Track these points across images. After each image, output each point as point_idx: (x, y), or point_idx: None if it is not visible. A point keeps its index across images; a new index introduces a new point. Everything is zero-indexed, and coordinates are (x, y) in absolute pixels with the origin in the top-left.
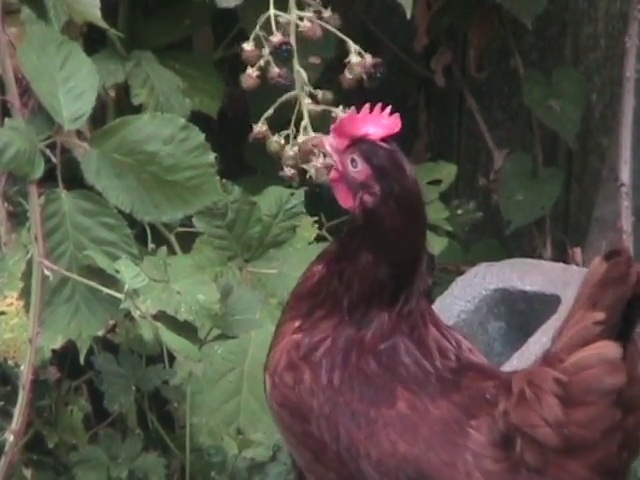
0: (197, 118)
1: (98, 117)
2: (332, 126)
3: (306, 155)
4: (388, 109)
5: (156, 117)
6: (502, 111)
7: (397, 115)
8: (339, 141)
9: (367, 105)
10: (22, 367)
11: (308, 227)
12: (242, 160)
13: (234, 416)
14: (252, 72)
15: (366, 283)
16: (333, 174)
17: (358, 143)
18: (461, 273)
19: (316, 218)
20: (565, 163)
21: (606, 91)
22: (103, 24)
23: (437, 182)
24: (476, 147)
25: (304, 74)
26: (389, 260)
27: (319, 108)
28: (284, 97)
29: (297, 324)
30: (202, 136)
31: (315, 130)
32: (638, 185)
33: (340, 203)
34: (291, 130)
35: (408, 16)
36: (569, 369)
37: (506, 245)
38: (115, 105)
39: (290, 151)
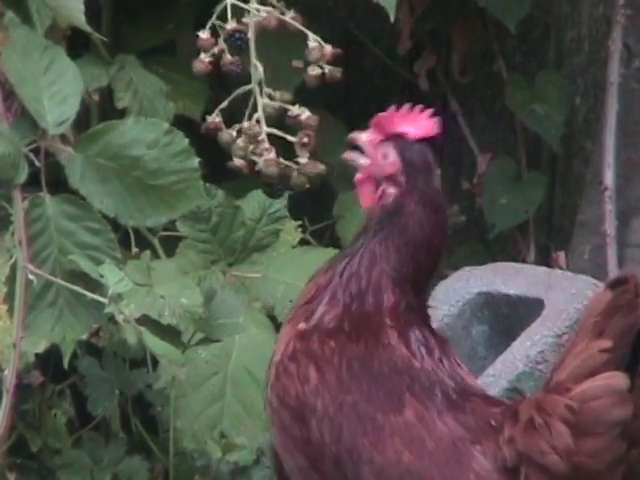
0: (181, 122)
1: (82, 121)
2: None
3: (252, 141)
4: (428, 111)
5: (140, 121)
6: (485, 115)
7: (436, 119)
8: (375, 136)
9: (408, 105)
10: (6, 371)
11: (292, 231)
12: (225, 164)
13: (218, 420)
14: (204, 57)
15: (372, 275)
16: (362, 171)
17: (394, 138)
18: (444, 277)
19: (300, 222)
20: (549, 167)
21: (590, 95)
22: (87, 28)
23: None
24: (459, 151)
25: (260, 68)
26: (405, 254)
27: (275, 104)
28: (239, 90)
29: (300, 326)
30: (186, 140)
31: (269, 125)
32: (622, 189)
33: (361, 203)
34: (244, 123)
35: (391, 20)
36: (577, 398)
37: (489, 249)
38: (99, 109)
39: (241, 142)
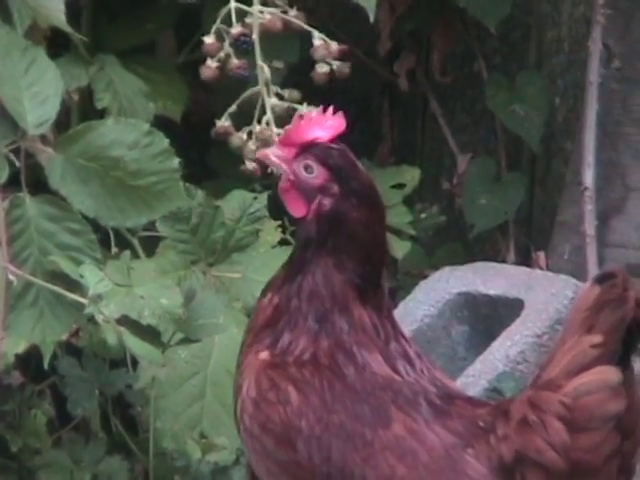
0: (160, 122)
1: (62, 121)
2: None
3: (265, 144)
4: (330, 110)
5: (120, 122)
6: (466, 115)
7: (340, 114)
8: (287, 151)
9: (310, 112)
10: None
11: (271, 231)
12: (205, 164)
13: (198, 420)
14: (211, 63)
15: (333, 288)
16: (283, 184)
17: (309, 149)
18: (425, 277)
19: (279, 222)
20: (528, 167)
21: (569, 95)
22: (67, 28)
23: (400, 186)
24: (440, 151)
25: (267, 69)
26: (358, 257)
27: (284, 104)
28: (247, 93)
29: (264, 355)
30: (166, 141)
31: (279, 126)
32: (601, 189)
33: (291, 213)
34: (254, 126)
35: (371, 20)
36: (570, 394)
37: (470, 249)
38: (79, 109)
39: (252, 145)
